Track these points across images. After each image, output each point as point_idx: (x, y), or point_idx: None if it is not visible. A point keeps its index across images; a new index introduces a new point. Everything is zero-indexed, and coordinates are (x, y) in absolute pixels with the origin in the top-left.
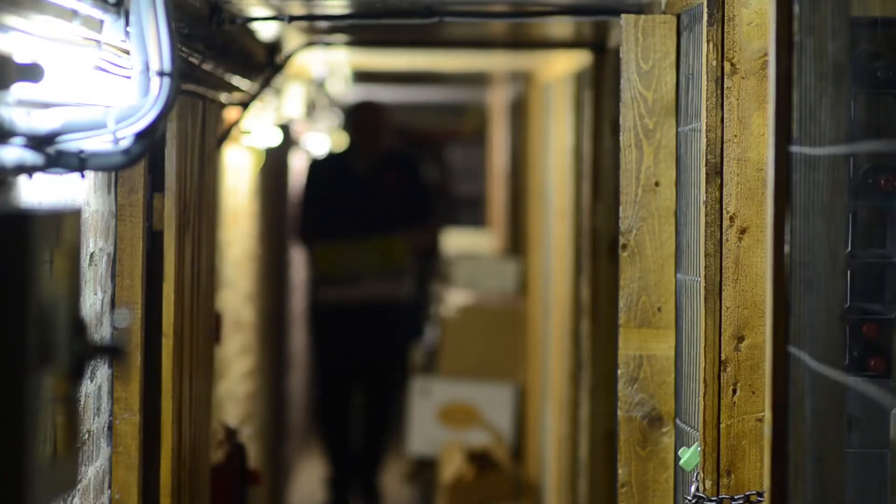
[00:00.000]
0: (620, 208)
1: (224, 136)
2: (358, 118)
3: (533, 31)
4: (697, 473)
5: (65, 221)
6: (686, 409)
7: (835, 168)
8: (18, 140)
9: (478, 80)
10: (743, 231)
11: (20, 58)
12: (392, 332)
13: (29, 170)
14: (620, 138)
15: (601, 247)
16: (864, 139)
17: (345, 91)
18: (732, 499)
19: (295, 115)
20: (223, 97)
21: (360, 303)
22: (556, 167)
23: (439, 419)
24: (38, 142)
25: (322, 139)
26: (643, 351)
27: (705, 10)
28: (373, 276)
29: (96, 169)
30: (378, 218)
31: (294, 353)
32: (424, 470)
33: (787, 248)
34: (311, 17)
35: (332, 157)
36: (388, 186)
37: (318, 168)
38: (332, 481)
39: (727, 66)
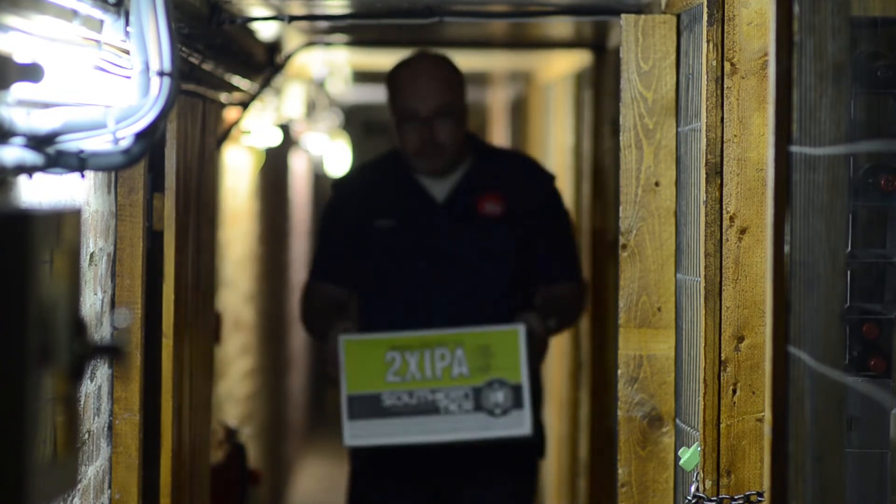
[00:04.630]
0: (620, 208)
1: (224, 136)
2: (410, 96)
3: (533, 31)
4: (697, 473)
5: (65, 221)
6: (686, 409)
7: (835, 168)
8: (18, 140)
9: (478, 80)
10: (743, 231)
11: (20, 58)
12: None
13: (29, 170)
14: (620, 138)
15: (601, 247)
16: (864, 139)
17: (345, 91)
18: (732, 499)
19: (295, 115)
20: (223, 97)
21: (440, 455)
22: (556, 167)
23: None
24: (38, 142)
25: (322, 139)
26: (643, 351)
27: (705, 10)
28: (467, 402)
29: (96, 169)
30: (473, 284)
31: (294, 353)
32: None
33: (787, 248)
34: (311, 17)
35: (373, 172)
36: (491, 220)
37: (349, 193)
38: None
39: (727, 66)
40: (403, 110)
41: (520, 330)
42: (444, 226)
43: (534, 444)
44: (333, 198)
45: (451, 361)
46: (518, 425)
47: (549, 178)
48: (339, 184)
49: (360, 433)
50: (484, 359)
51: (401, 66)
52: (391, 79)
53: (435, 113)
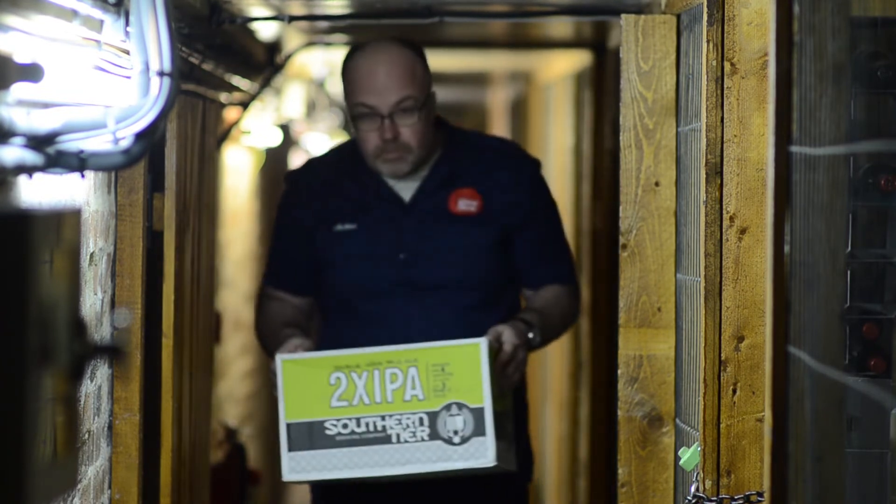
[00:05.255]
0: (620, 208)
1: (224, 136)
2: (367, 89)
3: (533, 31)
4: (697, 473)
5: (65, 221)
6: (686, 409)
7: (835, 168)
8: (18, 140)
9: (478, 80)
10: (743, 231)
11: (20, 58)
12: None
13: (29, 170)
14: (620, 138)
15: (601, 247)
16: (864, 139)
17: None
18: (732, 499)
19: (295, 115)
20: (223, 97)
21: (396, 488)
22: (556, 167)
23: None
24: (38, 142)
25: (322, 139)
26: (643, 351)
27: (705, 10)
28: (422, 429)
29: (96, 169)
30: (449, 293)
31: None
32: None
33: (787, 248)
34: (311, 17)
35: (330, 167)
36: (465, 219)
37: (304, 190)
38: None
39: (727, 66)
40: (359, 105)
41: (481, 345)
42: (411, 228)
43: (523, 470)
44: (287, 193)
45: (403, 383)
46: (480, 455)
47: (531, 165)
48: (293, 178)
49: (302, 466)
50: (440, 379)
51: (354, 55)
52: (344, 69)
53: (396, 108)
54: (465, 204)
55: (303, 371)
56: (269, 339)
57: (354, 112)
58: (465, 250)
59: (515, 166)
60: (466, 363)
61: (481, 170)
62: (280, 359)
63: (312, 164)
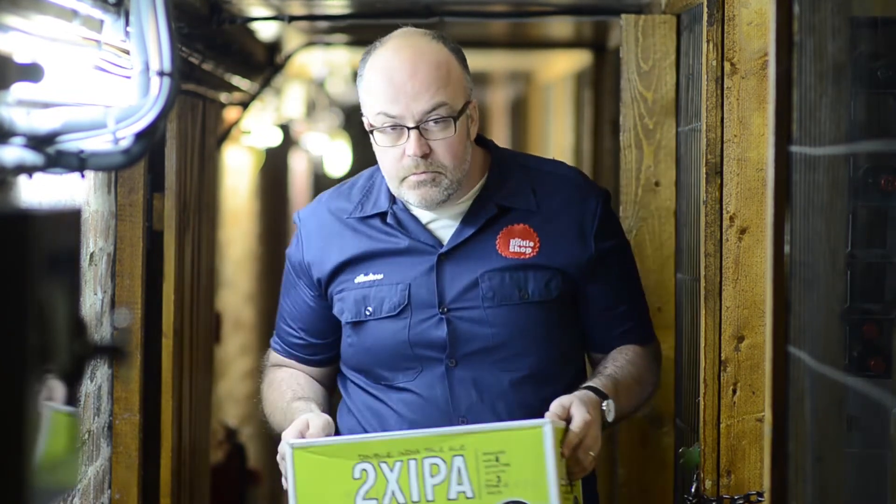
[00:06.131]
0: (620, 208)
1: (224, 136)
2: (389, 95)
3: (533, 31)
4: (697, 473)
5: (65, 221)
6: (686, 409)
7: (835, 168)
8: (18, 140)
9: (478, 80)
10: (743, 231)
11: (20, 58)
12: None
13: (29, 170)
14: (620, 138)
15: None
16: (864, 139)
17: (345, 91)
18: (732, 499)
19: (295, 115)
20: (223, 97)
21: None
22: None
23: None
24: (38, 142)
25: (322, 139)
26: None
27: (705, 10)
28: None
29: (96, 169)
30: (502, 360)
31: None
32: None
33: (787, 248)
34: (311, 17)
35: (349, 201)
36: (520, 264)
37: (318, 232)
38: None
39: (727, 66)
40: (380, 116)
41: (544, 429)
42: (451, 277)
43: None
44: (295, 238)
45: (447, 476)
46: None
47: (598, 197)
48: (302, 219)
49: None
50: (494, 472)
51: (373, 52)
52: (361, 71)
53: (426, 118)
54: (519, 245)
55: (319, 461)
56: (276, 416)
57: (375, 124)
58: (521, 304)
59: (580, 198)
60: (527, 452)
61: (538, 202)
62: (290, 446)
63: (324, 200)
